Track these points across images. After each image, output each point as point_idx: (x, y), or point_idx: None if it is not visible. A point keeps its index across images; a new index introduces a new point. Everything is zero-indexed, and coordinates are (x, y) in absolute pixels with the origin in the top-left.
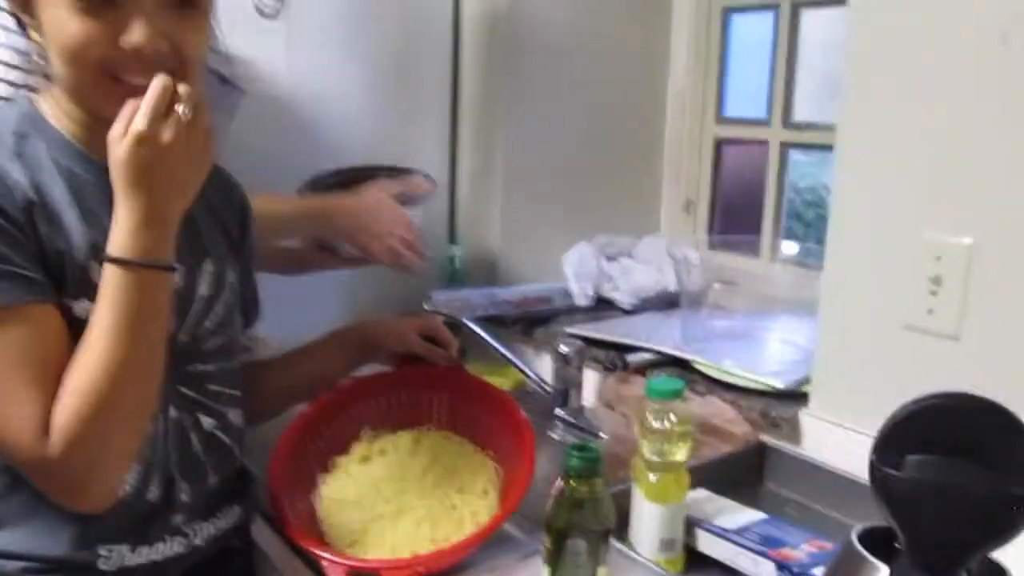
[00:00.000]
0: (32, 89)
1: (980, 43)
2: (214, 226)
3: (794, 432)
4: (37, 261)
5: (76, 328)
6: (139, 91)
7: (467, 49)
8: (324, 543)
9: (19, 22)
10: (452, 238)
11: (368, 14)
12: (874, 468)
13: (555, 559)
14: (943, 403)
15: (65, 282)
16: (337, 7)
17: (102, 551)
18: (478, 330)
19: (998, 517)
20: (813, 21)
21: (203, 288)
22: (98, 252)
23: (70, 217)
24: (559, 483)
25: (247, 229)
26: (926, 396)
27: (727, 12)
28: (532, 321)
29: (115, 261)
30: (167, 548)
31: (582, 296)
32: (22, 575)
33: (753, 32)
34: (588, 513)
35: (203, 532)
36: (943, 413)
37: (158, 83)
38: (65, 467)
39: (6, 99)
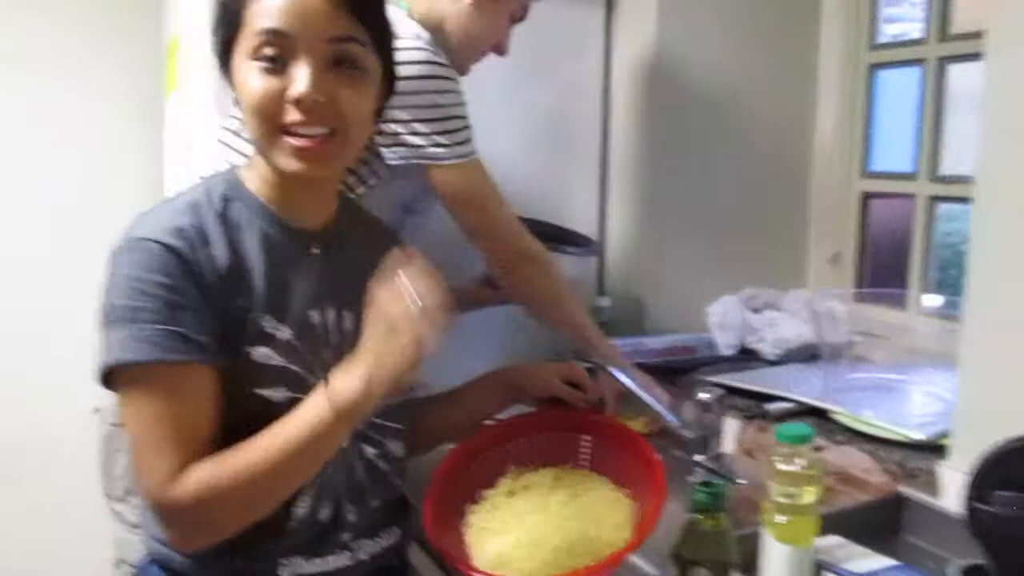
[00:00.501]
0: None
1: None
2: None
3: (932, 484)
4: (211, 323)
5: (256, 370)
6: (303, 146)
7: (617, 108)
8: (471, 567)
9: None
10: (601, 289)
11: (523, 77)
12: (967, 503)
13: None
14: None
15: (244, 332)
16: (495, 73)
17: (283, 561)
18: (621, 377)
19: None
20: (962, 74)
21: None
22: (274, 307)
23: (258, 275)
24: (686, 517)
25: None
26: (1019, 436)
27: (873, 68)
28: (677, 370)
29: (327, 395)
30: (336, 560)
31: (726, 347)
32: None
33: (900, 86)
34: (712, 545)
35: (366, 549)
36: None
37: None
38: (180, 512)
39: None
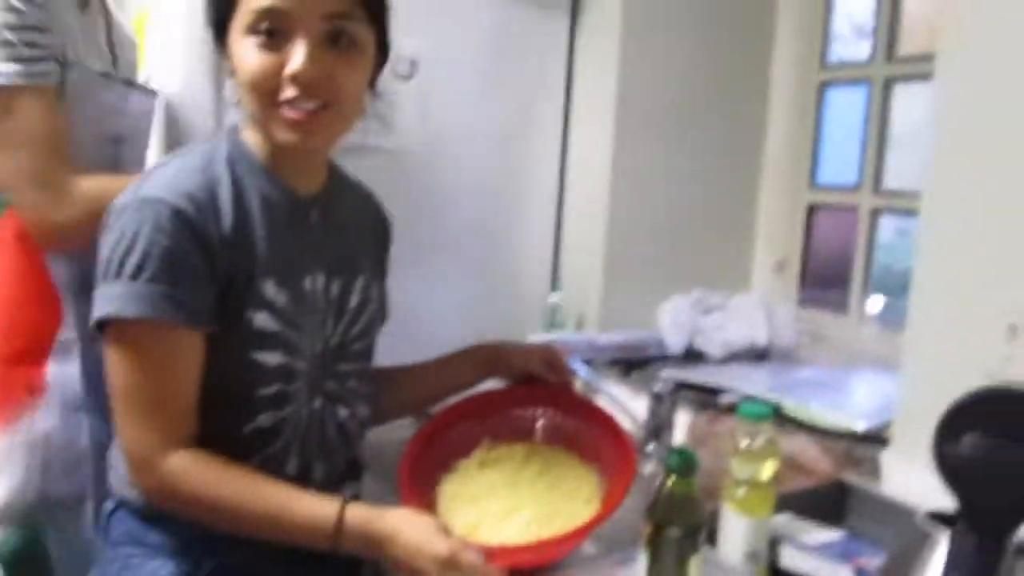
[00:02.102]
0: None
1: None
2: (366, 245)
3: (875, 471)
4: (209, 290)
5: (255, 335)
6: (297, 119)
7: (578, 109)
8: None
9: None
10: (554, 284)
11: (489, 83)
12: (936, 446)
13: (653, 545)
14: (997, 392)
15: (247, 296)
16: (461, 75)
17: None
18: (578, 368)
19: None
20: (907, 94)
21: (354, 300)
22: (276, 272)
23: (259, 237)
24: (659, 480)
25: (387, 249)
26: (983, 388)
27: (823, 85)
28: (628, 365)
29: (338, 521)
30: None
31: (676, 345)
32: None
33: (847, 104)
34: (684, 507)
35: None
36: (997, 400)
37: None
38: (154, 486)
39: None
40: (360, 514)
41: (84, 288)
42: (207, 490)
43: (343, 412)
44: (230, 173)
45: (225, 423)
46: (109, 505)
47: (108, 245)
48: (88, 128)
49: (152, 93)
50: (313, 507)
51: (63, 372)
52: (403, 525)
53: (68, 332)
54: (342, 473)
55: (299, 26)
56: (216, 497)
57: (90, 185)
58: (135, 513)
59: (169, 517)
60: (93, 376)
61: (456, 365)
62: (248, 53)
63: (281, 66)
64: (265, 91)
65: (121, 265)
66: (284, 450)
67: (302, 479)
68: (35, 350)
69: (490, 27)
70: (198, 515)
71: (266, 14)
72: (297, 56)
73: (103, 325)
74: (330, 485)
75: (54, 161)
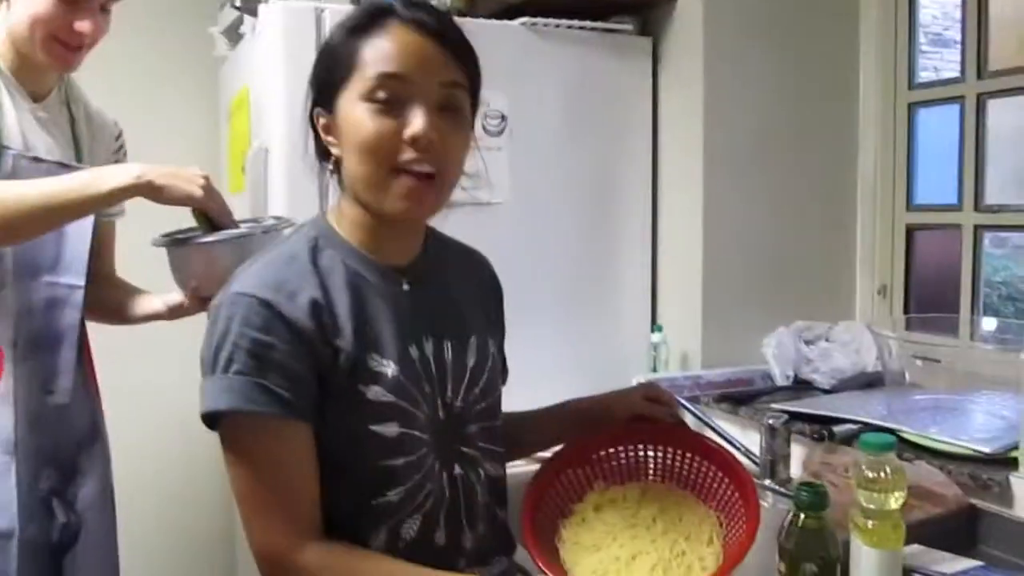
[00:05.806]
0: None
1: None
2: (476, 306)
3: (1005, 495)
4: (303, 377)
5: (373, 412)
6: (412, 187)
7: (666, 149)
8: None
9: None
10: (654, 325)
11: (575, 128)
12: None
13: None
14: None
15: (356, 372)
16: (549, 126)
17: None
18: (688, 406)
19: None
20: (1001, 109)
21: (471, 361)
22: (375, 345)
23: (349, 315)
24: (791, 515)
25: (500, 304)
26: None
27: (912, 106)
28: (736, 400)
29: None
30: None
31: (782, 377)
32: None
33: (941, 122)
34: (817, 541)
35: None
36: None
37: None
38: None
39: None
40: None
41: (23, 346)
42: None
43: (483, 475)
44: (314, 258)
45: (352, 498)
46: None
47: (205, 344)
48: None
49: None
50: None
51: None
52: None
53: (5, 383)
54: (490, 543)
55: (417, 93)
56: None
57: None
58: None
59: None
60: (25, 425)
61: (558, 418)
62: (366, 118)
63: (399, 130)
64: (383, 155)
65: (214, 361)
66: (426, 522)
67: (453, 551)
68: None
69: (575, 77)
70: None
71: (389, 80)
72: (417, 119)
73: (213, 426)
74: (480, 557)
75: None
